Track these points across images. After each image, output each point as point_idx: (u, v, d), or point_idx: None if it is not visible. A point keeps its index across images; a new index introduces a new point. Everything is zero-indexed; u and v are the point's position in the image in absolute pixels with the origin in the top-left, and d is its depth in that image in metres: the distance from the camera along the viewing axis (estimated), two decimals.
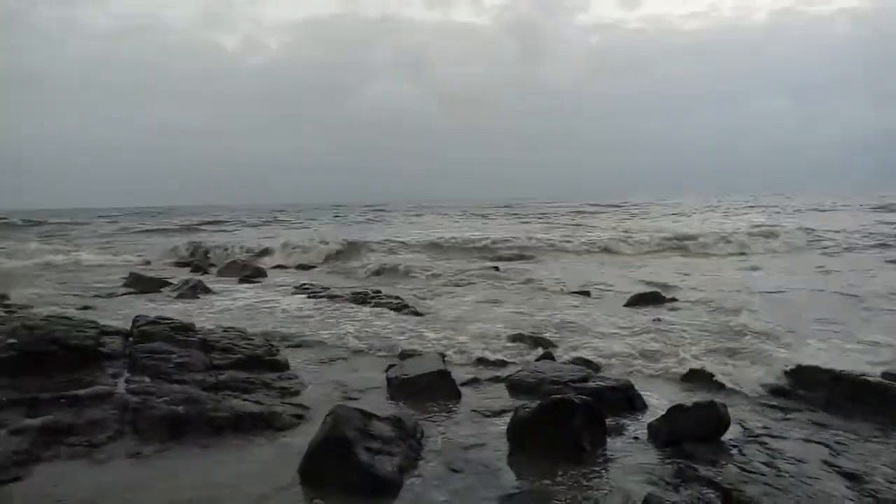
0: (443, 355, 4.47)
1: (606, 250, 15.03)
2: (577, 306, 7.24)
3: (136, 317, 4.97)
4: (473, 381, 4.14)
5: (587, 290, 8.36)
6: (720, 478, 2.58)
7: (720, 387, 4.06)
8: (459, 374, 4.17)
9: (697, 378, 4.22)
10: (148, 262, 13.76)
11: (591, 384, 3.69)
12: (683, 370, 4.38)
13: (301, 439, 3.05)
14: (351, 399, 3.75)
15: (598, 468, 2.79)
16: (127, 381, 3.63)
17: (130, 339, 4.51)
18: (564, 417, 2.92)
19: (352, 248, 14.66)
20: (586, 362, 4.51)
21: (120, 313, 6.31)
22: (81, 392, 3.38)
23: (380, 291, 7.87)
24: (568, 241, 15.99)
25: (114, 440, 2.98)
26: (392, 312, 6.59)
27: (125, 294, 8.30)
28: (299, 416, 3.47)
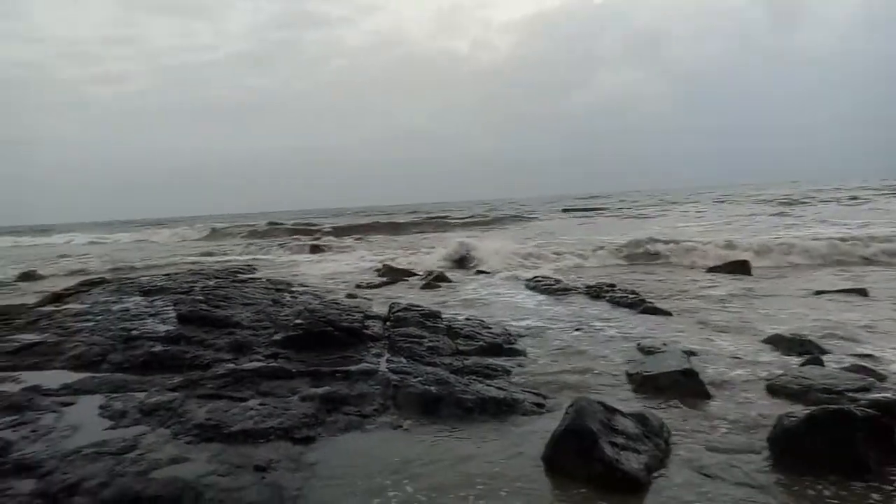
0: (688, 353, 4.21)
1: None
2: (852, 306, 6.27)
3: (392, 304, 5.55)
4: (724, 383, 3.82)
5: (863, 287, 7.19)
6: None
7: None
8: (708, 374, 3.88)
9: None
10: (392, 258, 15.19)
11: (874, 395, 3.17)
12: None
13: (542, 426, 3.11)
14: (589, 392, 3.73)
15: (887, 491, 2.39)
16: (387, 361, 4.07)
17: (387, 323, 5.05)
18: (843, 430, 2.55)
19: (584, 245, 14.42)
20: (866, 370, 3.87)
21: (378, 300, 7.10)
22: (352, 368, 3.87)
23: (614, 286, 7.67)
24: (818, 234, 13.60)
25: (379, 413, 3.34)
26: (628, 308, 6.38)
27: (380, 284, 9.29)
28: (539, 405, 3.54)
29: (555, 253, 13.09)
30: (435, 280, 9.01)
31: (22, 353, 4.26)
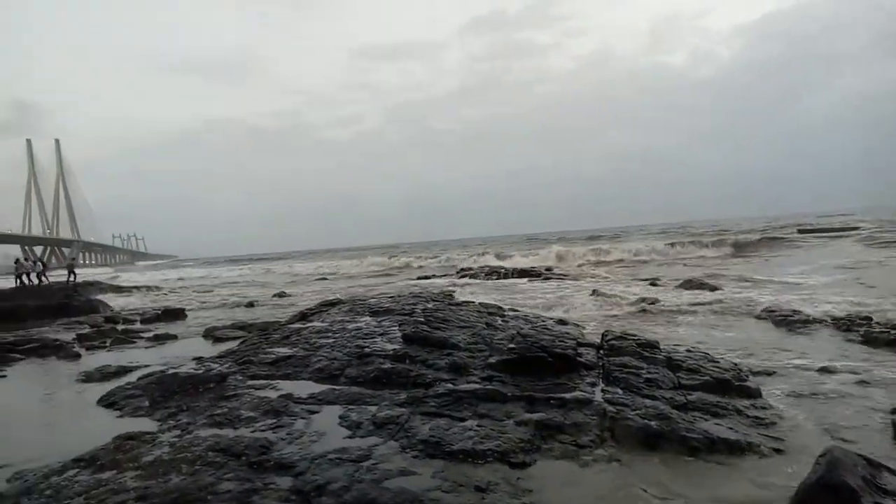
0: None
1: None
2: None
3: (605, 331, 5.38)
4: None
5: None
6: None
7: None
8: None
9: None
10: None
11: None
12: None
13: (784, 475, 2.79)
14: (841, 441, 3.23)
15: None
16: (602, 391, 3.94)
17: (601, 351, 4.90)
18: None
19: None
20: None
21: (589, 327, 6.95)
22: (566, 396, 3.82)
23: (870, 318, 6.58)
24: None
25: (595, 444, 3.23)
26: (892, 347, 5.42)
27: (590, 310, 9.08)
28: (778, 451, 3.17)
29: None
30: (650, 306, 8.57)
31: (278, 363, 4.94)
